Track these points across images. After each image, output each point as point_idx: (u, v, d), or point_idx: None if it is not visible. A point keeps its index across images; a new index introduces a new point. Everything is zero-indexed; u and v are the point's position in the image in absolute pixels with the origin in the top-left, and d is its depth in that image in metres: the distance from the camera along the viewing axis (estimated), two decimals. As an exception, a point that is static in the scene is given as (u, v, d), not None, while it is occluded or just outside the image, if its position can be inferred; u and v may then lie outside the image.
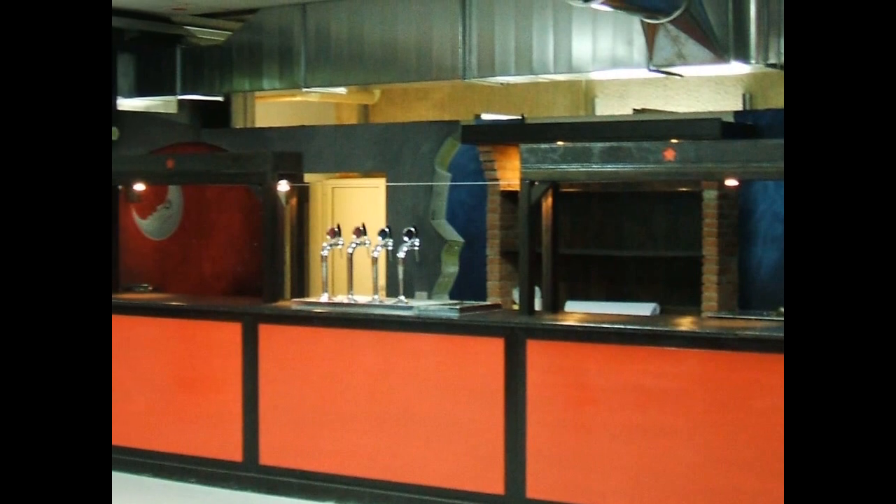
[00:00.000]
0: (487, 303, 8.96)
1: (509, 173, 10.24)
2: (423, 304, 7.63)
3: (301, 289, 8.52)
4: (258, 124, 12.70)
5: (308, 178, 8.99)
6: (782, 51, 7.87)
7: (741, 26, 7.91)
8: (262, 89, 10.90)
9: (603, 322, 6.93)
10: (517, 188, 7.40)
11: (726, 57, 7.98)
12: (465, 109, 13.01)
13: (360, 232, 7.90)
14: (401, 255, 7.71)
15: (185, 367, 8.14)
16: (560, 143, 7.69)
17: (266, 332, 7.80)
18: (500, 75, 9.33)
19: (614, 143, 6.97)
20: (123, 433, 8.19)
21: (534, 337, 6.91)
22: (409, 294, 8.74)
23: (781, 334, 6.21)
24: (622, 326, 6.77)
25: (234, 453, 7.86)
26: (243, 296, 10.56)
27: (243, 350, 7.85)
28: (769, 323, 7.06)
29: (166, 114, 11.68)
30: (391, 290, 9.56)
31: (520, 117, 10.81)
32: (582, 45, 8.80)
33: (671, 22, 7.88)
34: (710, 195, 9.26)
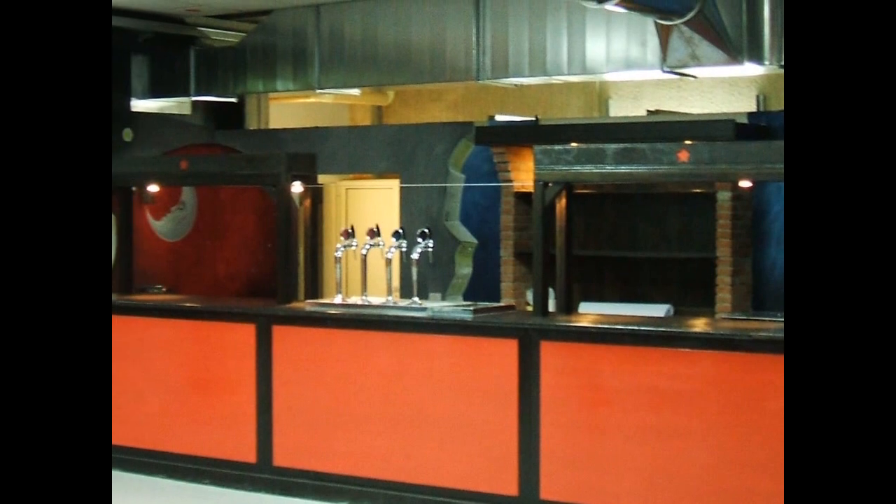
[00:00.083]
0: (501, 304, 8.94)
1: (523, 174, 10.23)
2: (436, 306, 7.62)
3: (315, 290, 8.53)
4: (272, 126, 12.70)
5: (322, 179, 8.99)
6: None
7: (755, 27, 7.89)
8: (276, 91, 10.91)
9: (617, 323, 6.93)
10: (531, 189, 7.40)
11: (740, 58, 7.96)
12: (479, 111, 13.01)
13: (374, 233, 7.90)
14: (415, 256, 7.71)
15: (199, 369, 8.16)
16: (574, 144, 7.69)
17: (280, 333, 7.81)
18: (513, 76, 9.33)
19: (628, 145, 6.97)
20: (137, 434, 8.22)
21: (548, 338, 6.90)
22: (423, 295, 8.75)
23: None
24: (636, 328, 6.76)
25: (248, 454, 7.87)
26: (257, 297, 10.58)
27: (257, 351, 7.86)
28: (783, 324, 7.04)
29: (180, 115, 11.69)
30: (405, 292, 9.56)
31: (534, 118, 10.80)
32: (596, 47, 8.79)
33: (685, 23, 7.86)
34: (723, 196, 9.24)
